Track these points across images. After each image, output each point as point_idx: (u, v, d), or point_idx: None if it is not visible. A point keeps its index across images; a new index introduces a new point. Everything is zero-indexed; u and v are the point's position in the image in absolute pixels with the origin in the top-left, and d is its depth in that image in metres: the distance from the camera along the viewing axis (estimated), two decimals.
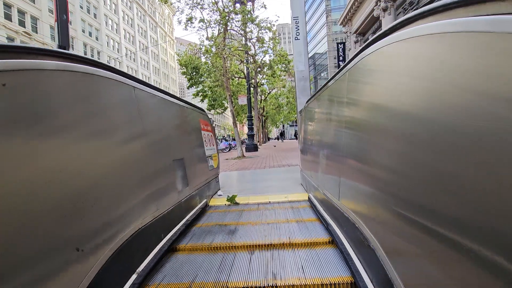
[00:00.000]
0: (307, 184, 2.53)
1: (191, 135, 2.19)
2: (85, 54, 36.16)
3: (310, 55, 74.38)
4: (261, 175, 4.07)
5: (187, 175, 1.88)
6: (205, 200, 2.27)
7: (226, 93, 9.40)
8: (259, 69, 18.97)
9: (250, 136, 13.35)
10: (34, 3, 25.61)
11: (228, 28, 8.95)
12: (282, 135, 32.46)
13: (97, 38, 39.33)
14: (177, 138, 1.87)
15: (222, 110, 21.26)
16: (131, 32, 50.06)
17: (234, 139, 23.65)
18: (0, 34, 23.89)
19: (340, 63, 17.30)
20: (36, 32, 24.79)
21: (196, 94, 18.08)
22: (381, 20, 12.59)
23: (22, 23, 26.52)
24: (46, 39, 25.64)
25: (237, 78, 19.68)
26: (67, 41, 4.94)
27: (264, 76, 20.98)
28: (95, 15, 38.89)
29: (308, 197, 2.27)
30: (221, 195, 2.62)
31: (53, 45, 27.00)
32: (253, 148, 13.22)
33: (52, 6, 29.01)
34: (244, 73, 16.77)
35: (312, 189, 2.21)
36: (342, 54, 17.27)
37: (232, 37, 10.77)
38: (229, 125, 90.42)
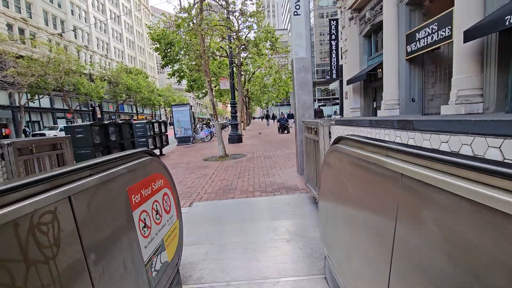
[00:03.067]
0: None
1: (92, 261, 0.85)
2: (47, 23, 31.86)
3: None
4: (250, 224, 2.74)
5: None
6: None
7: (205, 79, 7.79)
8: (243, 46, 17.09)
9: (234, 126, 11.90)
10: None
11: None
12: (268, 117, 30.85)
13: (59, 5, 34.72)
14: None
15: (203, 94, 19.28)
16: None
17: (205, 124, 21.85)
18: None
19: (332, 42, 15.82)
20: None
21: (172, 74, 16.04)
22: None
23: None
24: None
25: (218, 57, 17.70)
26: None
27: (248, 55, 19.10)
28: None
29: None
30: None
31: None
32: (237, 139, 11.84)
33: None
34: (226, 51, 14.89)
35: None
36: (334, 32, 15.71)
37: (211, 9, 8.92)
38: None
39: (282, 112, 18.79)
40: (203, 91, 18.35)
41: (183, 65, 15.45)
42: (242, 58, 17.20)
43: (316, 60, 65.07)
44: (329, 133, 2.48)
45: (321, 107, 34.25)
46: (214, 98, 8.13)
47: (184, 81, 22.90)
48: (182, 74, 16.05)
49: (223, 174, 5.34)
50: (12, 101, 26.02)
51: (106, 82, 35.29)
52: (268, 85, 29.78)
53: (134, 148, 7.07)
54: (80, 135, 4.96)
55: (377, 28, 12.97)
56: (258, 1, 15.32)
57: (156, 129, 8.49)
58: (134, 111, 50.46)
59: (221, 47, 14.97)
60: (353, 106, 15.19)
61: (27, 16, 28.58)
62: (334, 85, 27.45)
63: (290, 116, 19.87)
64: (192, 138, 13.30)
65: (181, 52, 13.34)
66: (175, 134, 13.17)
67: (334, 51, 15.85)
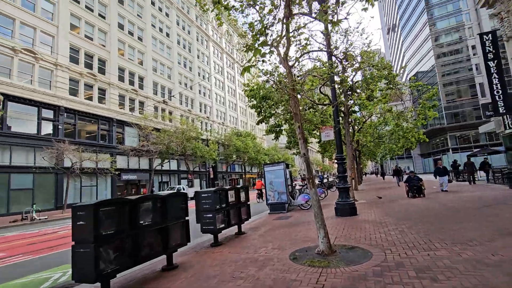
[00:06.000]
0: None
1: None
2: (181, 103, 39.53)
3: (412, 73, 63.14)
4: None
5: None
6: None
7: (295, 124, 5.20)
8: (350, 92, 14.18)
9: (343, 191, 8.32)
10: (105, 47, 27.05)
11: (293, 12, 5.05)
12: (398, 173, 21.57)
13: (191, 88, 43.21)
14: None
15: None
16: (221, 79, 54.02)
17: (320, 180, 17.88)
18: (64, 76, 22.70)
19: (490, 63, 10.63)
20: (104, 74, 26.29)
21: (268, 131, 14.60)
22: None
23: (89, 66, 25.30)
24: (113, 77, 26.97)
25: (321, 107, 15.33)
26: None
27: (355, 101, 15.87)
28: (190, 69, 43.36)
29: None
30: None
31: (119, 85, 27.11)
32: (348, 210, 8.09)
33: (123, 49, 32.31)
34: (329, 97, 12.34)
35: None
36: (491, 49, 10.62)
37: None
38: (317, 159, 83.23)
39: (411, 170, 13.50)
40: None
41: (281, 119, 13.84)
42: (351, 104, 14.14)
43: (442, 103, 53.48)
44: None
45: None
46: (308, 151, 5.26)
47: (285, 139, 21.47)
48: (278, 129, 14.36)
49: None
50: (150, 165, 31.40)
51: (218, 145, 39.19)
52: (383, 135, 24.55)
53: (187, 234, 4.82)
54: (80, 222, 3.05)
55: None
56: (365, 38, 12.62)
57: (231, 198, 6.19)
58: (243, 171, 53.44)
59: (322, 93, 12.61)
60: None
61: (168, 99, 36.39)
62: (488, 127, 19.47)
63: (440, 171, 13.25)
64: (287, 205, 10.44)
65: (274, 106, 11.77)
66: (267, 200, 10.74)
67: (495, 75, 10.52)
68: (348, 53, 11.26)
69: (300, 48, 5.42)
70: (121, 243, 3.34)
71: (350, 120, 15.44)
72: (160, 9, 37.05)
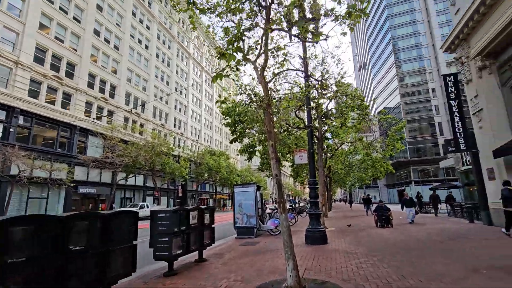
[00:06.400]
0: None
1: None
2: (154, 116, 38.11)
3: (380, 108, 67.65)
4: None
5: None
6: None
7: (268, 142, 4.84)
8: (324, 118, 14.44)
9: (314, 217, 7.98)
10: (76, 51, 25.59)
11: (273, 27, 4.91)
12: (368, 202, 21.40)
13: (167, 102, 42.12)
14: None
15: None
16: (198, 96, 53.61)
17: (292, 204, 17.42)
18: (25, 76, 20.81)
19: (452, 102, 11.47)
20: (72, 79, 24.50)
21: (241, 151, 14.18)
22: None
23: (55, 68, 23.27)
24: (81, 82, 25.72)
25: (296, 130, 15.37)
26: None
27: (329, 128, 16.17)
28: (167, 83, 42.55)
29: None
30: None
31: (87, 91, 24.85)
32: (319, 238, 7.70)
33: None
34: (304, 122, 12.39)
35: None
36: (453, 90, 11.53)
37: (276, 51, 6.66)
38: (289, 184, 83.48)
39: (380, 199, 13.65)
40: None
41: (255, 139, 13.56)
42: (324, 130, 14.33)
43: (406, 138, 57.42)
44: None
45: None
46: (280, 174, 4.88)
47: (258, 161, 21.13)
48: (252, 150, 14.00)
49: None
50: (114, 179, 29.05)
51: (189, 162, 37.73)
52: (354, 163, 25.22)
53: (133, 261, 4.05)
54: None
55: None
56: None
57: (193, 221, 5.52)
58: (214, 191, 51.72)
59: (298, 117, 12.65)
60: None
61: (140, 111, 34.92)
62: (447, 162, 20.82)
63: (408, 202, 13.39)
64: (256, 230, 9.82)
65: (249, 125, 11.50)
66: (234, 223, 10.05)
67: (456, 113, 11.30)
68: (323, 80, 11.56)
69: (278, 64, 5.24)
70: (37, 274, 2.58)
71: (323, 146, 15.61)
72: (141, 21, 36.62)
